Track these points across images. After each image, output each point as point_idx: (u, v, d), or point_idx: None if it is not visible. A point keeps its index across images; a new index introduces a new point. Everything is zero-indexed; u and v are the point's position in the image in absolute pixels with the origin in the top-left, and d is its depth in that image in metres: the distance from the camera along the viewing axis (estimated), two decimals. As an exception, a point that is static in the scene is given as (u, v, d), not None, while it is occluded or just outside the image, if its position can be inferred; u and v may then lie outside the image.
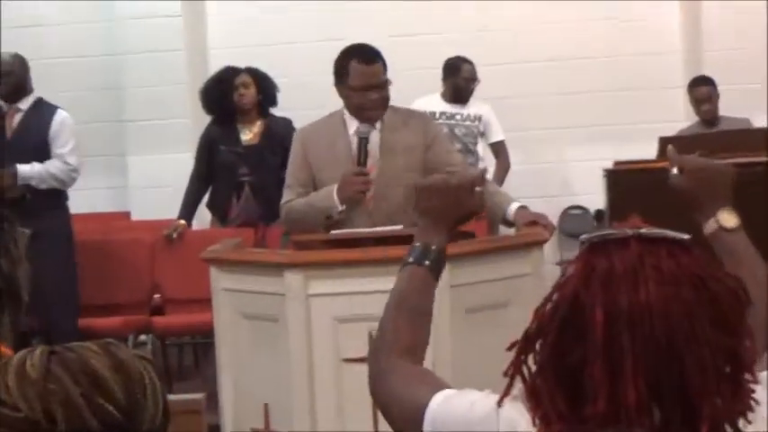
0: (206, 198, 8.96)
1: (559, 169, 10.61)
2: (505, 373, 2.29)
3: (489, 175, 9.47)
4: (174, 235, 8.69)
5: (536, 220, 5.45)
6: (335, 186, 5.55)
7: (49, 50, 9.53)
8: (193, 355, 9.26)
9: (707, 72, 10.20)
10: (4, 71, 8.52)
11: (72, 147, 8.41)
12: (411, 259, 2.69)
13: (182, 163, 9.19)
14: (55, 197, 8.24)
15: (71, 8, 10.92)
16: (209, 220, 9.10)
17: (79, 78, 10.41)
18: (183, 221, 8.81)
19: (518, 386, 2.32)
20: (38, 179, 8.19)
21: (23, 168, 8.14)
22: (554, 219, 9.67)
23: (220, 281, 5.38)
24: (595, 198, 9.31)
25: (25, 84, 8.60)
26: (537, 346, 2.28)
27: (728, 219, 2.67)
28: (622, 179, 8.29)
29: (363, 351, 4.70)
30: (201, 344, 7.98)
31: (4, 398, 1.54)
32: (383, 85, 5.70)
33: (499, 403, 2.33)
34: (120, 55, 10.90)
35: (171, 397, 4.70)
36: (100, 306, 8.62)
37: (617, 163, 8.26)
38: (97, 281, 8.76)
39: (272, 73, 8.91)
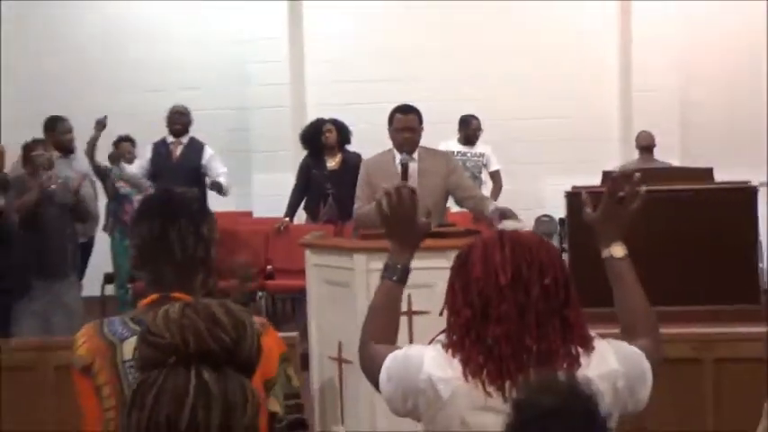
0: (302, 204, 8.97)
1: (535, 190, 10.52)
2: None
3: (487, 192, 9.52)
4: (282, 228, 8.74)
5: (504, 213, 5.46)
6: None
7: (198, 104, 9.49)
8: (292, 306, 9.25)
9: (638, 121, 10.18)
10: (181, 115, 8.67)
11: (224, 170, 8.62)
12: (384, 275, 2.71)
13: (287, 180, 9.19)
14: (203, 201, 8.24)
15: (213, 75, 10.97)
16: (304, 218, 9.08)
17: (219, 123, 10.43)
18: (287, 219, 8.86)
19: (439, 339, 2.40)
20: (225, 189, 8.53)
21: (224, 181, 8.52)
22: (530, 223, 9.66)
23: (311, 259, 5.38)
24: (559, 210, 9.28)
25: (188, 126, 8.71)
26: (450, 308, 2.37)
27: (618, 250, 2.60)
28: (577, 198, 8.26)
29: (404, 307, 4.72)
30: (298, 299, 7.98)
31: (155, 330, 1.56)
32: (414, 130, 5.77)
33: (429, 343, 2.41)
34: (247, 109, 10.95)
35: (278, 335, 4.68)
36: (229, 273, 8.63)
37: (574, 188, 8.23)
38: (227, 257, 8.81)
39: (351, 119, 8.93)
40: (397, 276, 2.67)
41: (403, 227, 2.71)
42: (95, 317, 2.59)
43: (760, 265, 8.71)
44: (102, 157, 8.85)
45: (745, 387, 4.36)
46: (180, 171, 8.41)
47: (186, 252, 2.45)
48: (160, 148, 8.77)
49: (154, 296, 2.44)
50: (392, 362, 2.43)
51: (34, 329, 6.64)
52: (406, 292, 4.52)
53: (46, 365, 5.11)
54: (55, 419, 5.07)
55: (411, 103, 5.93)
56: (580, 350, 2.27)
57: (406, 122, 5.78)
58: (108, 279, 9.39)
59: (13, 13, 10.67)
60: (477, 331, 2.26)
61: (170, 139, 8.76)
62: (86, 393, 2.41)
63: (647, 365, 2.37)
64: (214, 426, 1.48)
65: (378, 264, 4.94)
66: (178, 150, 8.72)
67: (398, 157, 5.77)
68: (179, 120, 8.73)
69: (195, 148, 8.74)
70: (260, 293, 8.80)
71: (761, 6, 10.33)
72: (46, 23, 11.35)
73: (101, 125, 8.53)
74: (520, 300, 2.24)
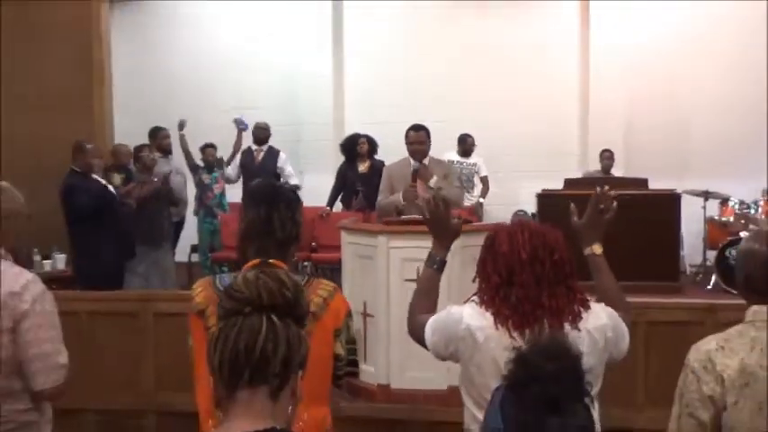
0: (339, 197, 8.97)
1: (514, 192, 10.47)
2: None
3: (478, 192, 9.52)
4: (324, 214, 8.72)
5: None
6: (401, 193, 5.65)
7: (257, 116, 9.52)
8: (331, 274, 9.25)
9: (592, 140, 10.19)
10: (263, 129, 8.76)
11: (292, 171, 8.78)
12: (427, 264, 2.71)
13: (328, 179, 9.19)
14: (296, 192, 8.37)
15: (273, 98, 10.97)
16: (341, 208, 9.08)
17: (277, 135, 10.26)
18: (328, 208, 8.84)
19: (472, 299, 2.47)
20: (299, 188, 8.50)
21: (294, 181, 8.57)
22: (508, 217, 9.64)
23: (346, 238, 5.36)
24: (531, 207, 9.24)
25: (268, 137, 8.77)
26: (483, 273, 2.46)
27: (597, 248, 2.67)
28: (545, 199, 8.28)
29: (414, 275, 4.71)
30: (336, 269, 7.97)
31: (236, 288, 1.57)
32: (423, 143, 5.78)
33: (464, 303, 2.49)
34: (299, 124, 10.94)
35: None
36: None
37: (543, 190, 8.22)
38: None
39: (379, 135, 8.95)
40: (436, 266, 2.70)
41: (439, 227, 2.72)
42: (184, 278, 2.61)
43: (681, 252, 8.73)
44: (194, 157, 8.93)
45: (667, 342, 4.36)
46: (262, 171, 8.46)
47: (285, 232, 2.48)
48: (247, 155, 8.84)
49: (255, 261, 2.41)
50: (435, 320, 2.51)
51: (138, 285, 6.68)
52: (414, 264, 4.58)
53: (147, 313, 5.13)
54: (153, 354, 5.11)
55: (421, 123, 5.94)
56: (581, 309, 2.38)
57: (416, 138, 5.80)
58: (193, 249, 9.42)
59: (127, 42, 10.69)
60: (504, 293, 2.36)
61: (254, 147, 8.82)
62: (198, 331, 2.44)
63: (624, 326, 2.50)
64: (279, 356, 1.51)
65: (395, 243, 4.98)
66: (260, 156, 8.78)
67: (413, 163, 5.78)
68: (262, 133, 8.82)
69: (273, 153, 8.80)
70: (306, 263, 8.80)
71: (698, 42, 10.31)
72: (149, 53, 11.40)
73: (181, 125, 8.67)
74: (536, 271, 2.35)
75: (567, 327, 2.33)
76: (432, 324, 2.51)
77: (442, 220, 2.71)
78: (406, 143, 5.86)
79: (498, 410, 1.60)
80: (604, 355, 2.42)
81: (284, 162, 8.71)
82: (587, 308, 2.40)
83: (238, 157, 8.95)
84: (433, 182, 5.71)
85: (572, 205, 2.77)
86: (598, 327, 2.39)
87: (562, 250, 2.40)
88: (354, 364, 2.64)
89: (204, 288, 2.46)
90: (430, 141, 5.87)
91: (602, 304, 2.49)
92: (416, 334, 2.59)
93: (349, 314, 2.58)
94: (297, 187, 8.35)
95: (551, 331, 2.30)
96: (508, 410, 1.58)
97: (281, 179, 8.50)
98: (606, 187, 2.75)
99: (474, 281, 2.50)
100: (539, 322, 2.32)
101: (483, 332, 2.35)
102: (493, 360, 2.33)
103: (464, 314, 2.42)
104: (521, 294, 2.33)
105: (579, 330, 2.34)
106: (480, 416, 2.38)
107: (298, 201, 2.57)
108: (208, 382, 2.37)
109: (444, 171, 5.92)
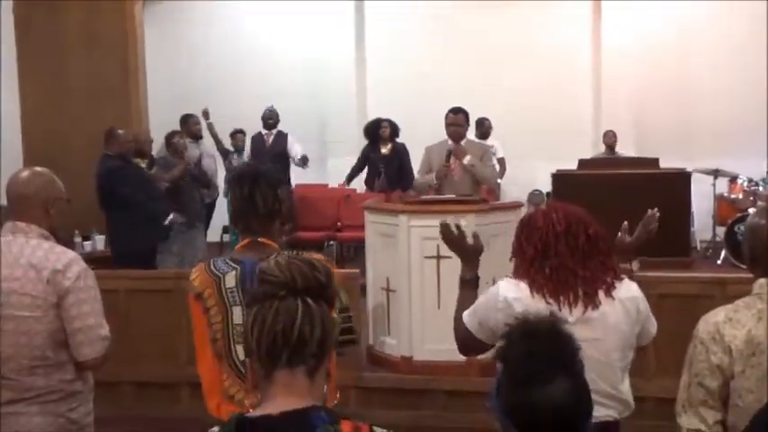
0: (363, 177, 9.00)
1: (529, 172, 10.32)
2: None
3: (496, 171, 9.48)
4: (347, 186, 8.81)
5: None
6: (435, 172, 5.76)
7: (290, 108, 9.50)
8: (355, 251, 9.29)
9: (605, 122, 10.10)
10: (273, 115, 8.70)
11: (301, 150, 8.60)
12: (461, 286, 2.65)
13: (352, 162, 9.18)
14: (286, 174, 8.40)
15: (300, 87, 10.95)
16: (364, 188, 9.09)
17: (304, 122, 10.36)
18: (345, 183, 9.07)
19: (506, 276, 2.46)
20: (307, 161, 8.53)
21: (301, 157, 8.48)
22: (524, 196, 9.60)
23: (369, 217, 5.39)
24: (547, 186, 9.18)
25: (277, 122, 8.74)
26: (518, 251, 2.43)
27: (635, 265, 2.79)
28: (560, 178, 8.24)
29: (434, 253, 4.74)
30: (359, 246, 7.99)
31: (270, 272, 1.54)
32: (461, 125, 5.86)
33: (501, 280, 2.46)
34: (324, 111, 10.93)
35: (343, 270, 4.69)
36: (311, 227, 8.71)
37: (558, 170, 8.18)
38: (310, 216, 8.87)
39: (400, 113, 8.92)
40: (470, 284, 2.64)
41: (460, 250, 2.70)
42: (216, 256, 2.65)
43: (691, 228, 8.68)
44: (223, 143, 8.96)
45: (678, 315, 4.33)
46: (272, 153, 8.47)
47: (267, 207, 2.50)
48: (257, 139, 8.82)
49: (245, 241, 2.52)
50: (473, 308, 2.49)
51: (173, 264, 6.74)
52: (434, 243, 4.59)
53: (181, 290, 5.16)
54: (187, 329, 5.14)
55: (460, 105, 5.98)
56: (614, 280, 2.38)
57: (454, 120, 5.86)
58: (224, 230, 9.49)
59: (159, 35, 10.69)
60: (540, 264, 2.35)
61: (264, 131, 8.81)
62: (197, 313, 2.52)
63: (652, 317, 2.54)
64: (315, 338, 1.50)
65: (415, 222, 5.00)
66: (270, 139, 8.77)
67: (450, 144, 5.84)
68: (271, 117, 8.79)
69: (281, 136, 8.78)
70: (332, 242, 8.83)
71: (703, 30, 10.20)
72: (183, 46, 11.42)
73: (206, 114, 8.59)
74: (571, 244, 2.34)
75: (600, 295, 2.33)
76: (470, 311, 2.49)
77: (458, 243, 2.68)
78: (446, 125, 5.89)
79: (495, 381, 1.60)
80: (636, 327, 2.42)
81: (292, 143, 8.71)
82: (620, 280, 2.40)
83: (248, 143, 8.95)
84: (466, 160, 5.73)
85: (625, 223, 2.83)
86: (630, 298, 2.39)
87: (596, 227, 2.40)
88: (350, 331, 2.67)
89: (200, 272, 2.52)
90: (468, 124, 5.96)
91: (635, 285, 2.48)
92: (459, 333, 2.54)
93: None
94: (305, 159, 8.40)
95: (586, 300, 2.31)
96: (499, 381, 1.58)
97: (293, 159, 8.54)
98: (656, 209, 2.86)
99: (510, 260, 2.47)
100: (573, 290, 2.31)
101: (520, 302, 2.32)
102: None
103: (500, 288, 2.41)
104: (555, 264, 2.33)
105: (613, 299, 2.34)
106: None
107: (278, 178, 2.59)
108: (210, 360, 2.45)
109: (481, 152, 5.95)
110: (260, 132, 8.84)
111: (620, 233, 2.75)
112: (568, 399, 1.50)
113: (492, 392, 1.59)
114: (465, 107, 6.05)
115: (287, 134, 8.80)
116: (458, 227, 2.70)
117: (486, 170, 5.84)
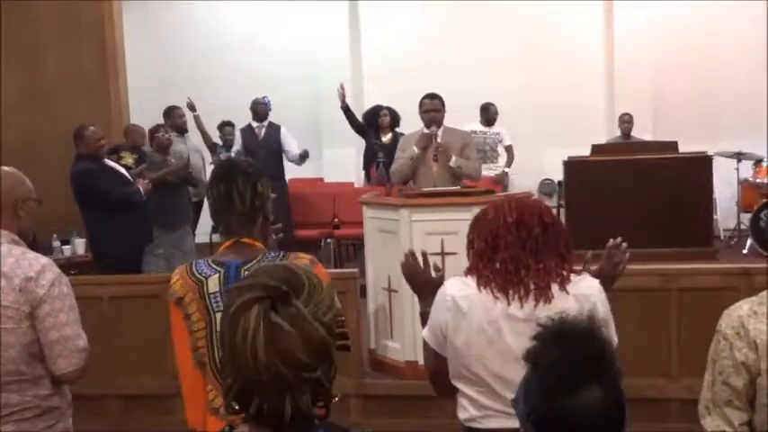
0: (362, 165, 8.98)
1: (539, 159, 10.36)
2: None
3: (503, 161, 9.44)
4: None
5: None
6: (414, 146, 5.79)
7: (281, 97, 9.47)
8: (354, 249, 9.28)
9: (619, 105, 10.04)
10: (263, 105, 8.65)
11: (296, 144, 8.49)
12: (423, 323, 2.57)
13: (349, 153, 9.18)
14: (280, 168, 8.35)
15: (292, 74, 10.94)
16: (363, 181, 9.06)
17: (297, 112, 10.37)
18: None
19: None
20: (306, 156, 8.42)
21: (302, 151, 8.39)
22: (535, 185, 9.57)
23: (367, 213, 5.37)
24: (557, 175, 9.16)
25: (268, 113, 8.66)
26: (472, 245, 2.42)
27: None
28: (572, 166, 8.17)
29: (438, 249, 4.71)
30: (358, 244, 7.98)
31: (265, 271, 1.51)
32: (438, 110, 5.88)
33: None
34: (318, 99, 10.80)
35: (341, 270, 4.68)
36: (307, 224, 8.69)
37: (570, 157, 8.13)
38: (305, 212, 8.84)
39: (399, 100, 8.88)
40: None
41: (417, 283, 2.68)
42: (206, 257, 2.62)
43: (714, 216, 8.64)
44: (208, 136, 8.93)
45: (701, 310, 4.31)
46: (265, 147, 8.38)
47: (245, 204, 2.45)
48: (247, 132, 8.72)
49: (228, 243, 2.47)
50: (428, 323, 2.46)
51: (159, 267, 6.70)
52: (438, 238, 4.56)
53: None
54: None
55: (435, 91, 6.01)
56: (570, 274, 2.33)
57: (431, 105, 5.89)
58: (214, 230, 9.43)
59: (139, 22, 10.66)
60: (489, 257, 2.33)
61: (254, 123, 8.69)
62: (177, 319, 2.46)
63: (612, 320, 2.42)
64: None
65: (417, 216, 4.98)
66: (262, 132, 8.66)
67: (427, 130, 5.84)
68: (262, 108, 8.70)
69: (274, 129, 8.69)
70: (329, 240, 8.82)
71: (719, 16, 10.12)
72: (165, 33, 11.39)
73: (192, 106, 8.61)
74: (522, 235, 2.30)
75: (554, 288, 2.28)
76: (427, 327, 2.47)
77: (418, 275, 2.66)
78: (420, 112, 5.91)
79: (522, 385, 1.56)
80: (609, 316, 2.37)
81: (285, 135, 8.61)
82: (578, 273, 2.36)
83: (238, 136, 8.87)
84: (452, 162, 5.69)
85: (588, 253, 2.70)
86: (586, 294, 2.31)
87: (552, 217, 2.36)
88: (343, 336, 2.64)
89: (181, 276, 2.45)
90: (444, 110, 5.93)
91: (597, 281, 2.41)
92: (428, 364, 2.53)
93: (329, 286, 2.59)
94: (305, 155, 8.36)
95: (537, 293, 2.26)
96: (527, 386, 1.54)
97: (288, 154, 8.47)
98: (619, 239, 2.69)
99: (468, 256, 2.45)
100: (523, 283, 2.27)
101: (467, 300, 2.31)
102: (479, 329, 2.30)
103: (447, 287, 2.39)
104: (504, 256, 2.29)
105: (567, 293, 2.28)
106: (469, 392, 2.38)
107: (257, 173, 2.51)
108: (191, 370, 2.42)
109: (462, 141, 5.90)
110: (249, 124, 8.72)
111: (583, 263, 2.61)
112: (604, 408, 1.45)
113: (518, 397, 1.54)
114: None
115: (279, 126, 8.71)
116: (424, 256, 2.67)
117: (471, 168, 5.82)
